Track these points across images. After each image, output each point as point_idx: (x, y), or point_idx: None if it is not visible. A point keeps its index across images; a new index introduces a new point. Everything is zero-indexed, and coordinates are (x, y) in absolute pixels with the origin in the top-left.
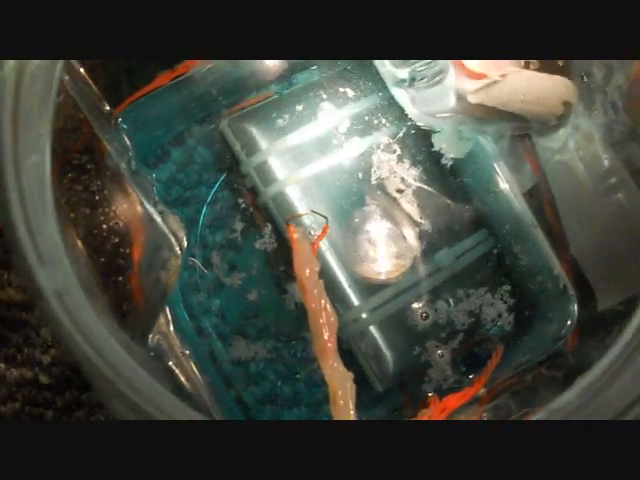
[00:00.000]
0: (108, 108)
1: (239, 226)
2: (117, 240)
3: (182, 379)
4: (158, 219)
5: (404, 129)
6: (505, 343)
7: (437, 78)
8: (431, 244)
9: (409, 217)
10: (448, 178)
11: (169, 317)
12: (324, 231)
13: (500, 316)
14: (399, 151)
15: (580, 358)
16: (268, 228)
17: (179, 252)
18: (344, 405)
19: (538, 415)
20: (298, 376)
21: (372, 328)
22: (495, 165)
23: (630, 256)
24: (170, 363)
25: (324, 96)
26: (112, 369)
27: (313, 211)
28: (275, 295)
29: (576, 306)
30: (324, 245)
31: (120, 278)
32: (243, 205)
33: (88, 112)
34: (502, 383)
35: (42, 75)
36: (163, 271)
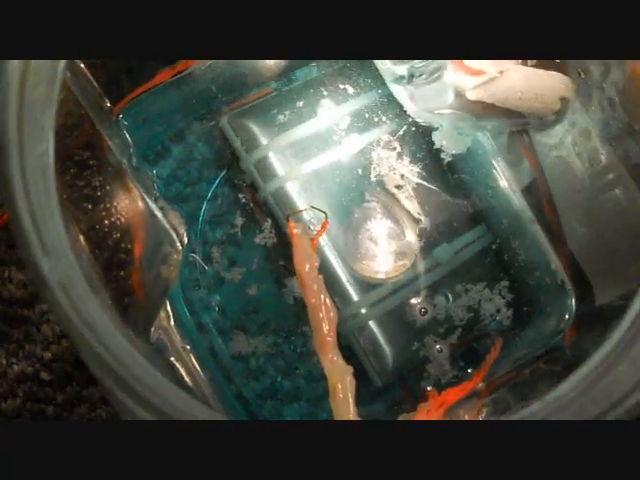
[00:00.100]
0: (109, 105)
1: (239, 221)
2: (119, 235)
3: (183, 374)
4: (159, 215)
5: (403, 126)
6: (503, 338)
7: (436, 75)
8: (430, 240)
9: (409, 214)
10: (447, 174)
11: (170, 312)
12: (323, 226)
13: (499, 311)
14: (398, 147)
15: (578, 352)
16: (268, 223)
17: (180, 247)
18: (344, 399)
19: (534, 406)
20: (298, 371)
21: (371, 323)
22: (493, 161)
23: (627, 251)
24: (171, 358)
25: (323, 93)
26: (115, 359)
27: (313, 207)
28: (275, 290)
29: (574, 301)
30: (323, 240)
31: (122, 273)
32: (243, 201)
33: (89, 108)
34: (500, 377)
35: (46, 70)
36: (164, 266)
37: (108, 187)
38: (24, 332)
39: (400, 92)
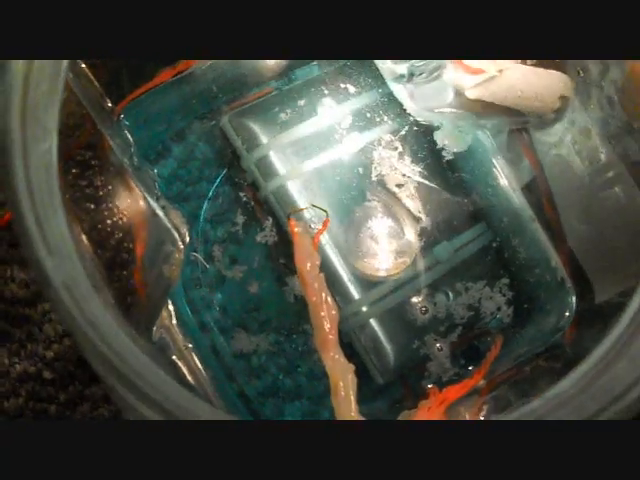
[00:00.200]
0: (110, 105)
1: (240, 220)
2: (121, 235)
3: (185, 372)
4: (161, 214)
5: (404, 124)
6: (504, 335)
7: (435, 74)
8: (430, 238)
9: (409, 213)
10: (447, 172)
11: (172, 311)
12: (324, 225)
13: (499, 309)
14: (398, 146)
15: (578, 350)
16: (269, 222)
17: (181, 247)
18: (345, 397)
19: (535, 403)
20: (300, 369)
21: (372, 321)
22: (493, 159)
23: (627, 249)
24: (173, 357)
25: (324, 92)
26: (118, 357)
27: (313, 205)
28: (276, 288)
29: (574, 298)
30: (324, 239)
31: (124, 272)
32: (244, 199)
33: (91, 109)
34: (501, 375)
35: (48, 69)
36: (166, 265)
37: (110, 187)
38: (26, 331)
39: (400, 91)
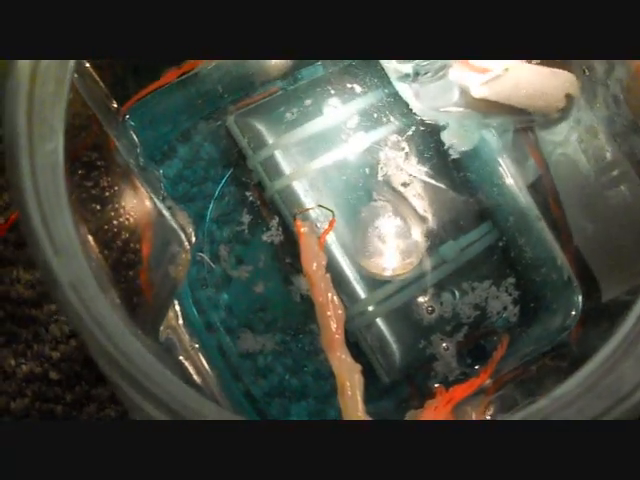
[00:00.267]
0: (116, 105)
1: (246, 219)
2: (127, 235)
3: (192, 372)
4: (167, 214)
5: (409, 124)
6: (510, 334)
7: (441, 73)
8: (436, 237)
9: (415, 213)
10: (453, 172)
11: (178, 311)
12: (330, 225)
13: (505, 308)
14: (404, 146)
15: (584, 348)
16: (275, 221)
17: (188, 247)
18: (352, 396)
19: (541, 403)
20: (306, 369)
21: (379, 320)
22: (499, 159)
23: (633, 247)
24: (180, 357)
25: (329, 91)
26: (125, 357)
27: (320, 205)
28: (282, 288)
29: (580, 297)
30: (330, 239)
31: (130, 273)
32: (250, 199)
33: (96, 109)
34: (507, 374)
35: (55, 69)
36: (172, 266)
37: (116, 187)
38: (32, 332)
39: (405, 90)
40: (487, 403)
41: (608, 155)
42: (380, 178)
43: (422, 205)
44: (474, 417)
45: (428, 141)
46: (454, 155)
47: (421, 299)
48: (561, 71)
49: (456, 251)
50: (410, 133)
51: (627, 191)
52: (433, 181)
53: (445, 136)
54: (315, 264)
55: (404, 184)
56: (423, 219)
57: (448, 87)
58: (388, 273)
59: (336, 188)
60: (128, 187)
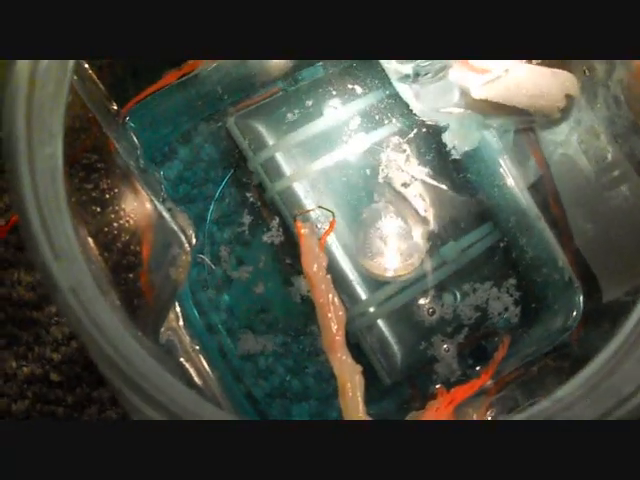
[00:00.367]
0: (115, 107)
1: (247, 220)
2: (127, 238)
3: (193, 374)
4: (167, 216)
5: (410, 125)
6: (511, 335)
7: (441, 74)
8: (437, 238)
9: (416, 213)
10: (453, 173)
11: (179, 313)
12: (331, 226)
13: (506, 309)
14: (405, 146)
15: (586, 349)
16: (275, 222)
17: (188, 249)
18: (353, 398)
19: (542, 404)
20: (307, 370)
21: (379, 322)
22: (500, 159)
23: (634, 247)
24: (181, 359)
25: (330, 92)
26: (125, 360)
27: (320, 206)
28: (283, 290)
29: (581, 298)
30: (332, 240)
31: (130, 275)
32: (251, 200)
33: (96, 111)
34: (509, 375)
35: (54, 70)
36: (172, 268)
37: (116, 190)
38: (33, 334)
39: (405, 91)
40: (488, 404)
41: (609, 156)
42: (381, 179)
43: (423, 206)
44: (475, 418)
45: (429, 142)
46: (455, 156)
47: (422, 300)
48: (561, 71)
49: (457, 252)
50: (410, 134)
51: (628, 192)
52: (434, 182)
53: (447, 137)
54: (316, 265)
55: (405, 185)
56: (424, 220)
57: (448, 88)
58: (389, 274)
59: (337, 189)
60: (128, 189)
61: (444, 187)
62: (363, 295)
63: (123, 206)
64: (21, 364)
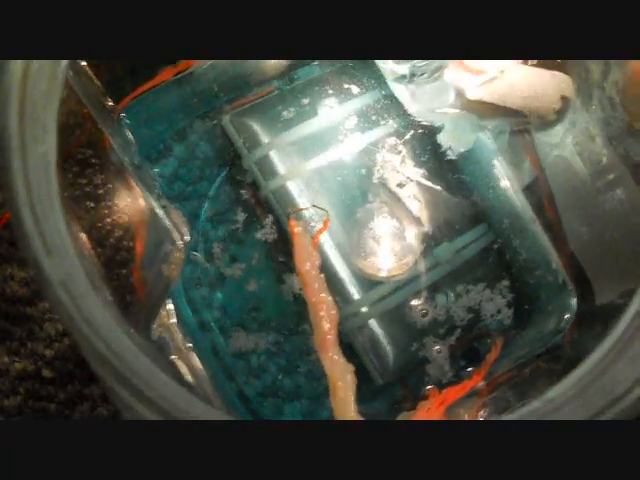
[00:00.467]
0: (111, 103)
1: (240, 217)
2: (120, 234)
3: (184, 372)
4: (161, 213)
5: (405, 125)
6: (504, 337)
7: (437, 74)
8: (431, 239)
9: (411, 214)
10: (448, 174)
11: (172, 310)
12: (324, 224)
13: (499, 311)
14: (400, 147)
15: (578, 351)
16: (269, 219)
17: (181, 246)
18: (344, 397)
19: (534, 404)
20: (299, 369)
21: (372, 322)
22: (495, 161)
23: (628, 251)
24: (173, 356)
25: (325, 91)
26: (116, 357)
27: (314, 205)
28: (276, 288)
29: (575, 300)
30: (325, 239)
31: (123, 271)
32: (245, 197)
33: (92, 107)
34: (501, 376)
35: (47, 69)
36: (165, 265)
37: (110, 185)
38: (26, 330)
39: (401, 91)
40: (480, 405)
41: (604, 158)
42: (375, 179)
43: (417, 206)
44: (467, 419)
45: (424, 143)
46: (451, 156)
47: (415, 301)
48: (557, 73)
49: (451, 253)
50: (406, 134)
51: (622, 194)
52: (429, 183)
53: (442, 138)
54: (308, 264)
55: (399, 185)
56: (418, 221)
57: (444, 89)
58: (383, 274)
59: (331, 189)
60: (122, 185)
61: (439, 188)
62: (356, 295)
63: (117, 202)
64: (13, 360)
